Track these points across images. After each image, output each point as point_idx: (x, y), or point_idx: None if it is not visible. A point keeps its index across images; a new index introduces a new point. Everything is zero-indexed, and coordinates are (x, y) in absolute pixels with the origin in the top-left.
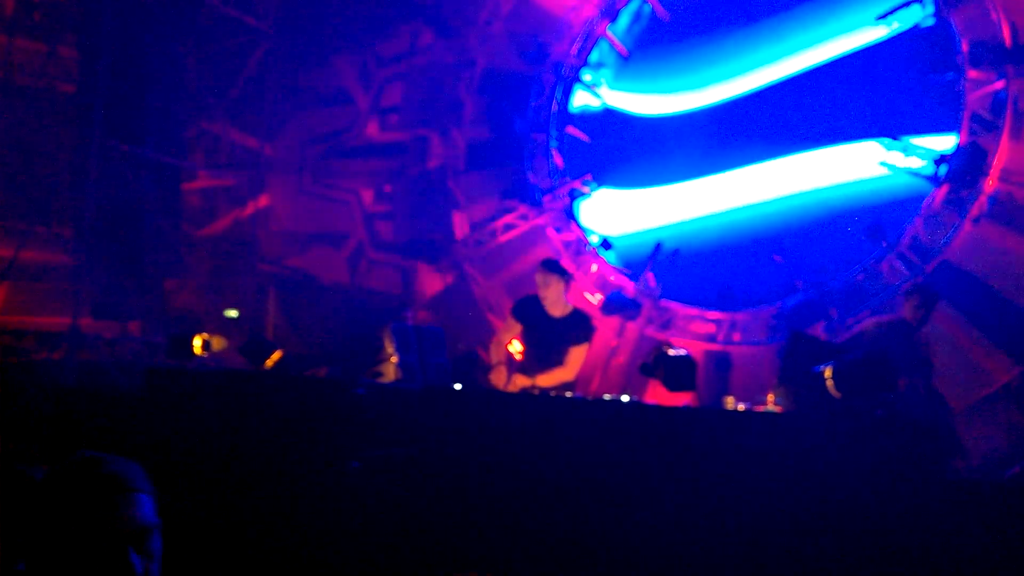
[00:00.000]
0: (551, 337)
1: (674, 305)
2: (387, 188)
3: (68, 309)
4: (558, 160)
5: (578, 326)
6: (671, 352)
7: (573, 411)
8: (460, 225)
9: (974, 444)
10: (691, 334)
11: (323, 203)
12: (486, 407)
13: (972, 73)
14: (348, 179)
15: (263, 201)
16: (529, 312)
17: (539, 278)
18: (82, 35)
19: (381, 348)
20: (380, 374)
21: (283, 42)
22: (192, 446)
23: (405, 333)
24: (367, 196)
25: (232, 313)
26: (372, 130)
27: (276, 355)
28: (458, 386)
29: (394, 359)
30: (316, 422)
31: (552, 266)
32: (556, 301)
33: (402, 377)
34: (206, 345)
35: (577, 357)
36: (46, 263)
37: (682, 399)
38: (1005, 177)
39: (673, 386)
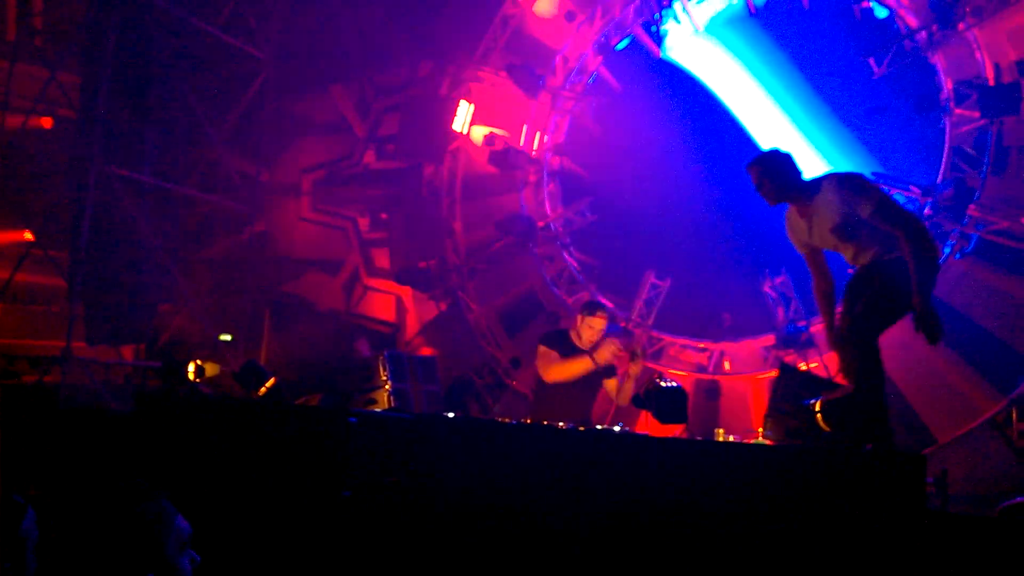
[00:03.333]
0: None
1: (665, 335)
2: (383, 215)
3: (62, 332)
4: (552, 190)
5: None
6: (663, 384)
7: (565, 441)
8: (455, 253)
9: (960, 475)
10: (682, 364)
11: (319, 229)
12: (479, 436)
13: (956, 111)
14: (345, 206)
15: (259, 227)
16: (562, 346)
17: (586, 320)
18: (83, 61)
19: (375, 375)
20: (373, 401)
21: (282, 70)
22: (182, 473)
23: (398, 360)
24: (363, 223)
25: (226, 337)
26: (369, 158)
27: (270, 382)
28: (451, 414)
29: (387, 387)
30: (308, 450)
31: (597, 306)
32: (594, 339)
33: (395, 405)
34: (199, 371)
35: (610, 388)
36: (41, 286)
37: (673, 430)
38: (988, 212)
39: (664, 418)
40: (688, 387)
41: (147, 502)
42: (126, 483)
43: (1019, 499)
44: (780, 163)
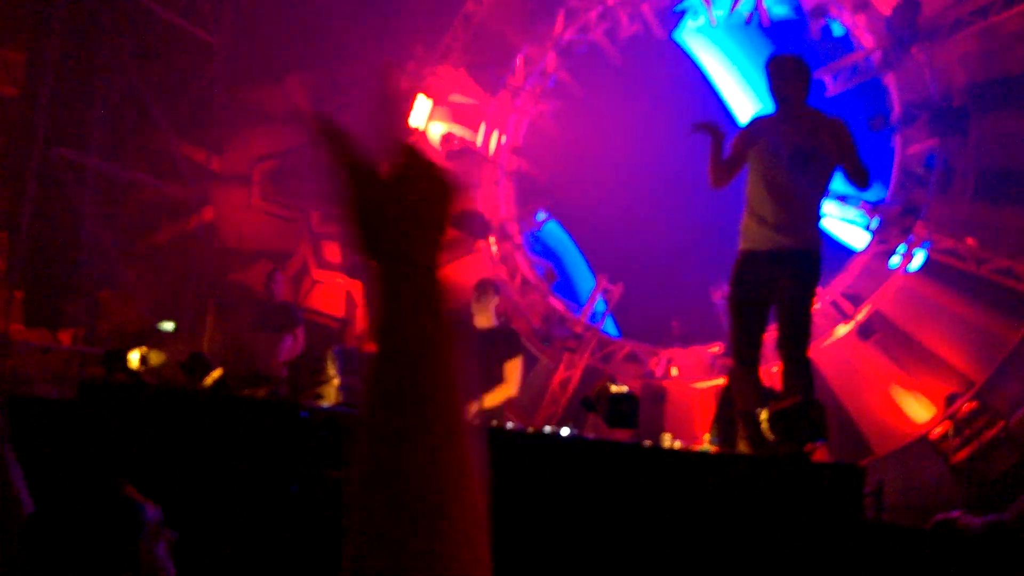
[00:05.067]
0: (478, 349)
1: (615, 339)
2: (335, 209)
3: None
4: (508, 192)
5: (506, 339)
6: (613, 388)
7: (514, 443)
8: None
9: (896, 488)
10: (630, 368)
11: (269, 220)
12: None
13: (906, 131)
14: (296, 198)
15: (207, 215)
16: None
17: (476, 288)
18: (30, 39)
19: (323, 370)
20: (321, 396)
21: (236, 58)
22: (125, 467)
23: (348, 356)
24: (315, 216)
25: (167, 326)
26: (323, 151)
27: (216, 373)
28: None
29: (336, 381)
30: (256, 444)
31: (491, 282)
32: (483, 313)
33: (344, 400)
34: (143, 359)
35: (514, 371)
36: None
37: (621, 435)
38: (934, 231)
39: (613, 422)
40: (636, 392)
41: (110, 503)
42: (83, 487)
43: (954, 513)
44: (805, 71)
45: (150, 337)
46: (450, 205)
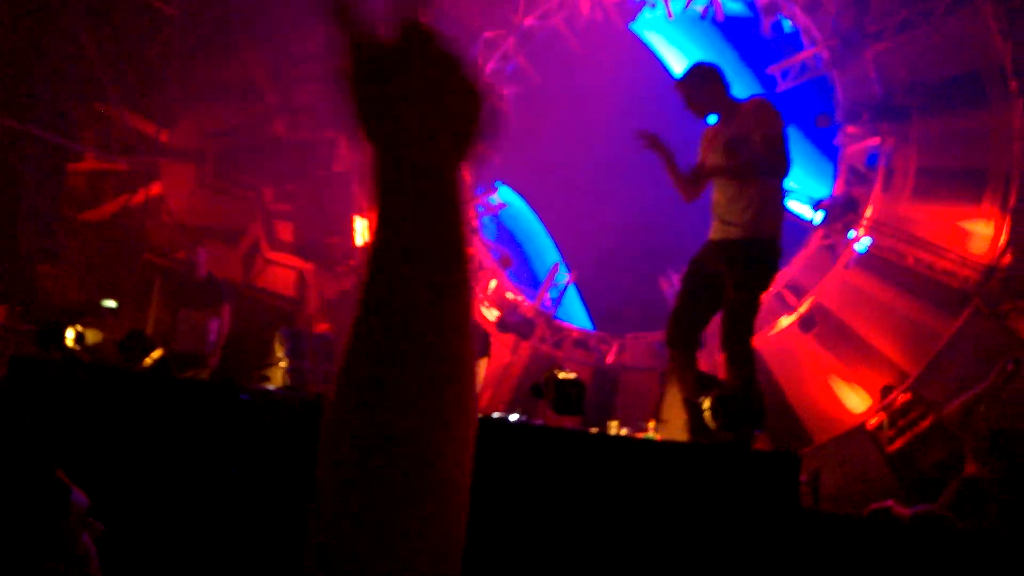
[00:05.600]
0: None
1: (567, 325)
2: (289, 187)
3: None
4: (466, 174)
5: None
6: (561, 375)
7: None
8: (362, 230)
9: (833, 476)
10: (580, 355)
11: (221, 197)
12: None
13: (850, 128)
14: (250, 175)
15: (155, 189)
16: None
17: None
18: None
19: (270, 352)
20: (267, 379)
21: (191, 28)
22: (56, 449)
23: (297, 338)
24: (268, 193)
25: (110, 303)
26: (279, 127)
27: (156, 353)
28: None
29: (283, 364)
30: (194, 427)
31: None
32: None
33: (291, 383)
34: (79, 337)
35: (478, 372)
36: None
37: (569, 421)
38: (875, 227)
39: (561, 409)
40: (585, 378)
41: (38, 485)
42: (11, 467)
43: (888, 502)
44: (712, 73)
45: (92, 315)
46: (469, 100)
